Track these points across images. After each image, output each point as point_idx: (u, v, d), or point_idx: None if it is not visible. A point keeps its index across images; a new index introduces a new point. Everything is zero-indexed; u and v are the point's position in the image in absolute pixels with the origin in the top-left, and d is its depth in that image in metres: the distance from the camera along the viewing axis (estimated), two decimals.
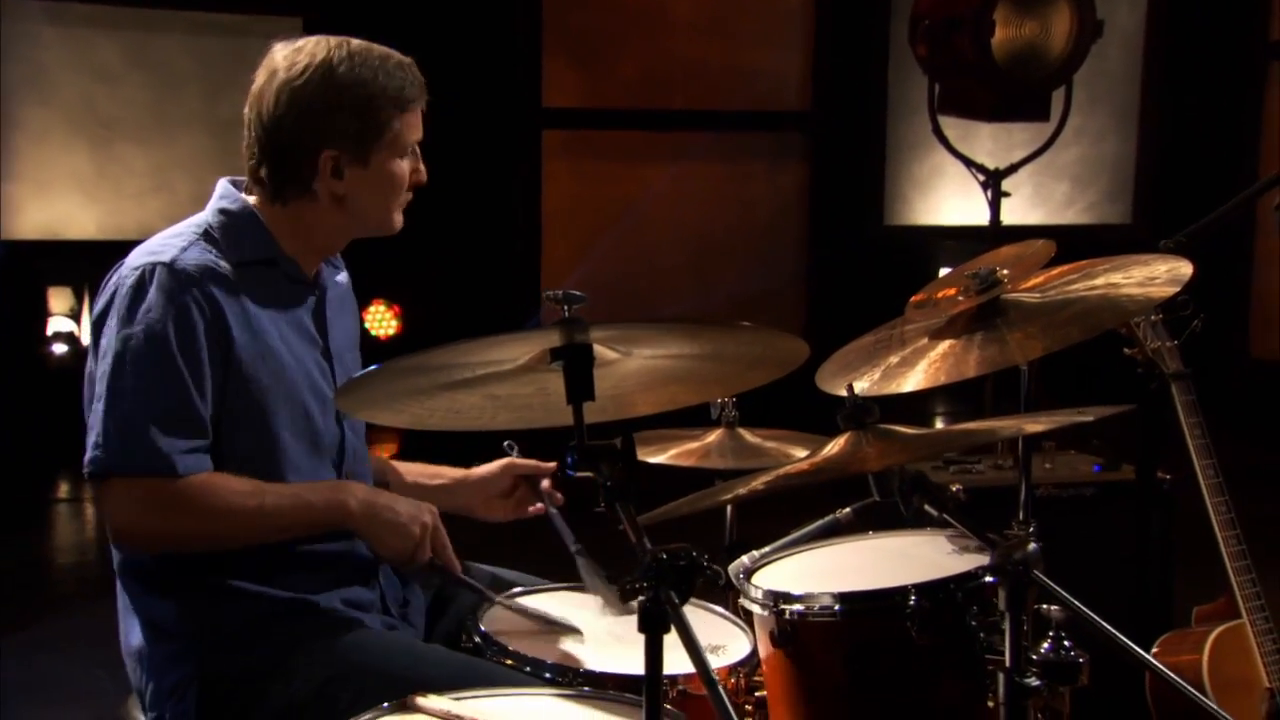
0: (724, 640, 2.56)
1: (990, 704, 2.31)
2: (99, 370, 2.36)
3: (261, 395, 2.41)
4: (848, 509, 2.76)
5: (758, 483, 2.05)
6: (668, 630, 1.67)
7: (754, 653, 2.50)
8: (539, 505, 2.80)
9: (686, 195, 8.21)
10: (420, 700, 2.18)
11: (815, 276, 8.17)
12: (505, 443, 2.84)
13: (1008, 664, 1.92)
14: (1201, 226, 3.02)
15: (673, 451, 2.98)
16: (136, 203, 7.42)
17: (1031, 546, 1.93)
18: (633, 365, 1.94)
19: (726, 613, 2.68)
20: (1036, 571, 1.91)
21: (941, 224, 8.46)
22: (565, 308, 1.76)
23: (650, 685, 1.69)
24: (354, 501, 2.42)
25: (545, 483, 2.80)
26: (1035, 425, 2.33)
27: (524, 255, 7.87)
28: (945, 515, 1.98)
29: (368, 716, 2.12)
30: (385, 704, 2.16)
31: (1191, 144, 8.39)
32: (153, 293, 2.35)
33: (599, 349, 1.86)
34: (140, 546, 2.41)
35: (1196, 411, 3.01)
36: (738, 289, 7.81)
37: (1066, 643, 2.16)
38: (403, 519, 2.43)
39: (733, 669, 2.47)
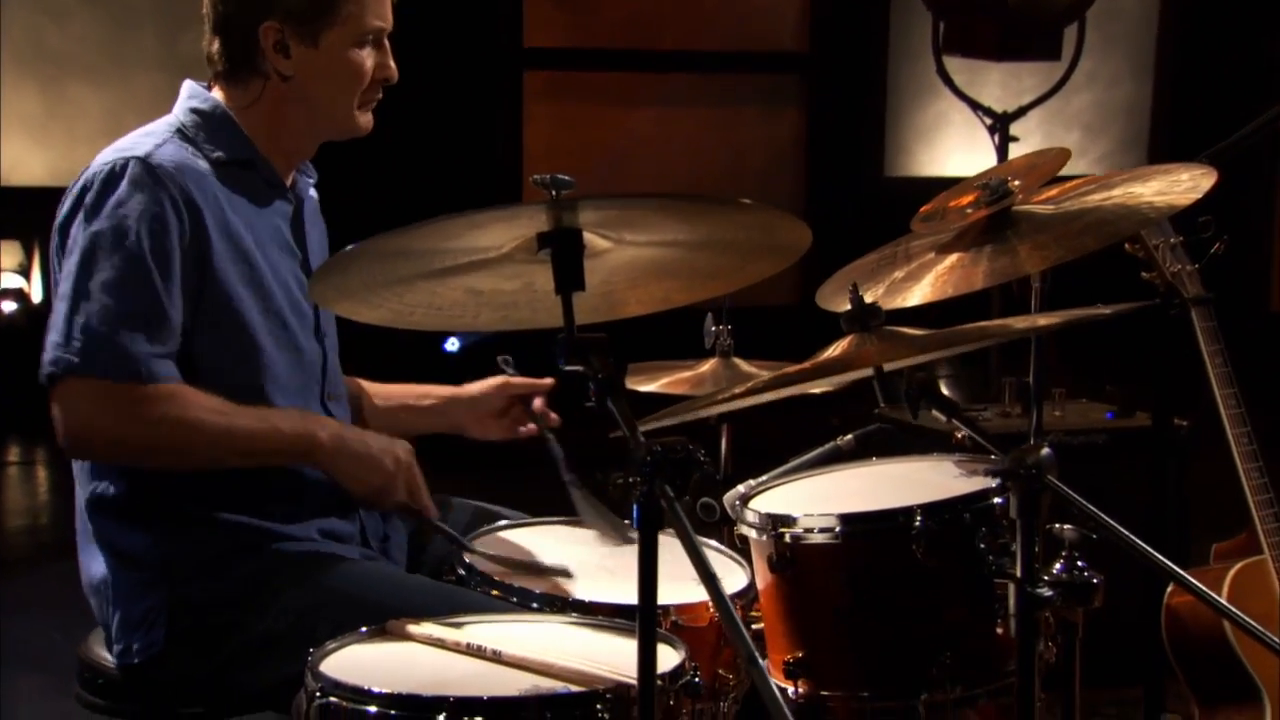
0: (719, 574, 2.57)
1: (999, 630, 2.34)
2: (64, 269, 2.36)
3: (239, 305, 2.41)
4: (849, 436, 2.78)
5: (755, 383, 2.06)
6: (663, 526, 1.68)
7: (751, 585, 2.52)
8: (532, 426, 2.81)
9: (674, 141, 8.20)
10: (404, 625, 2.20)
11: (813, 230, 8.17)
12: (500, 358, 2.86)
13: (1019, 574, 1.94)
14: (1229, 145, 3.02)
15: (664, 380, 2.99)
16: (90, 147, 7.34)
17: (1045, 451, 1.95)
18: (624, 257, 1.95)
19: (722, 546, 2.70)
20: (1050, 477, 1.93)
21: (945, 176, 8.47)
22: (553, 192, 1.76)
23: (644, 584, 1.70)
24: (324, 433, 2.42)
25: (538, 402, 2.81)
26: (1050, 319, 2.34)
27: (503, 202, 7.83)
28: (954, 421, 1.99)
29: (345, 640, 2.14)
30: (363, 629, 2.19)
31: (1211, 91, 8.40)
32: (124, 187, 2.34)
33: (589, 237, 1.86)
34: (91, 452, 2.40)
35: (1218, 338, 3.03)
36: None
37: (1080, 563, 2.17)
38: (374, 453, 2.44)
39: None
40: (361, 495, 2.47)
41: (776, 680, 2.43)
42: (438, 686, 1.97)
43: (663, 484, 1.67)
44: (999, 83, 7.45)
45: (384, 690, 1.94)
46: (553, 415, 2.80)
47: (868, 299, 2.42)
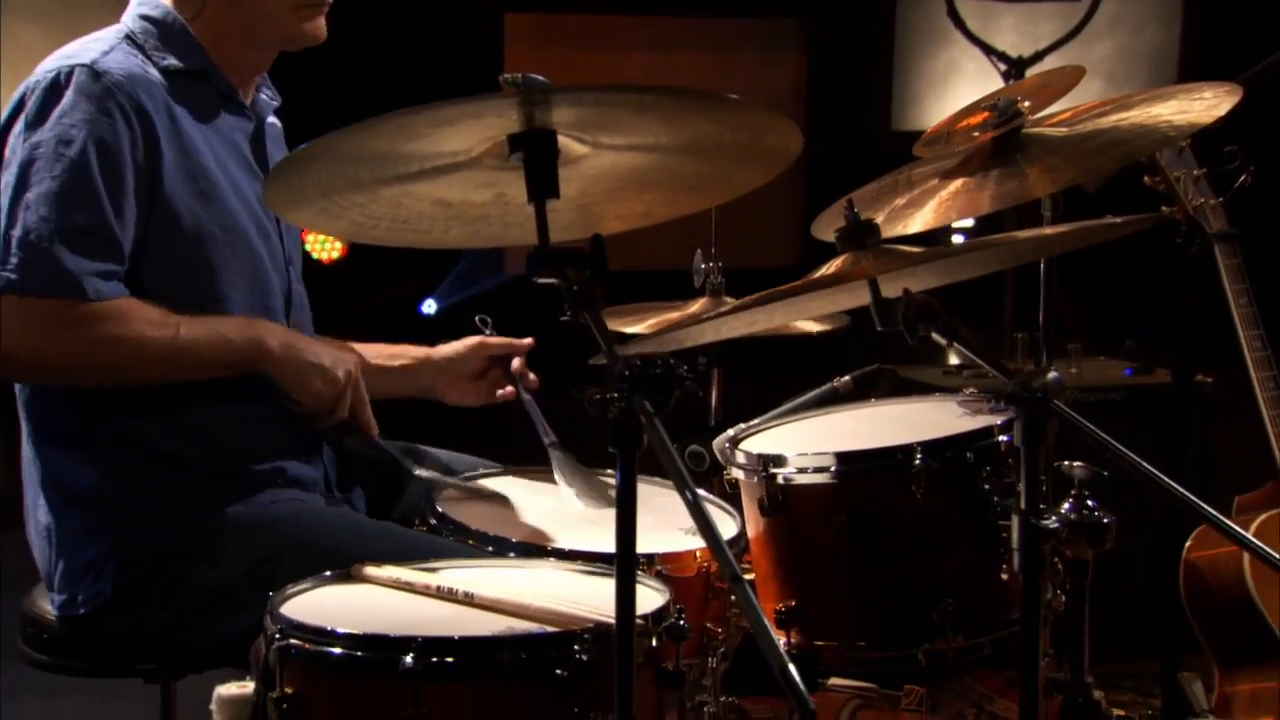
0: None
1: (1004, 575, 2.35)
2: (2, 181, 2.36)
3: (195, 226, 2.41)
4: (846, 377, 2.79)
5: (744, 301, 2.07)
6: (641, 445, 1.70)
7: (741, 534, 2.54)
8: (509, 389, 2.82)
9: None
10: (370, 570, 2.22)
11: (812, 188, 8.17)
12: (477, 317, 2.86)
13: (1023, 505, 1.95)
14: (1260, 70, 3.04)
15: (652, 322, 3.00)
16: None
17: (1053, 375, 1.96)
18: (602, 164, 1.95)
19: (710, 495, 2.72)
20: (1057, 402, 1.94)
21: None
22: (525, 93, 1.76)
23: (623, 507, 1.72)
24: (273, 340, 2.44)
25: (517, 363, 2.82)
26: (1057, 230, 2.36)
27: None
28: (956, 344, 2.01)
29: (307, 584, 2.16)
30: (327, 573, 2.20)
31: (1243, 38, 8.40)
32: (69, 96, 2.34)
33: (564, 142, 1.87)
34: (29, 373, 2.41)
35: (1243, 277, 3.04)
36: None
37: (1091, 502, 2.19)
38: (325, 362, 2.46)
39: None
40: (310, 407, 2.48)
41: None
42: (406, 628, 1.98)
43: (641, 399, 1.68)
44: (1014, 27, 7.44)
45: (348, 631, 1.96)
46: (531, 376, 2.81)
47: None
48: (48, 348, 2.33)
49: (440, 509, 2.53)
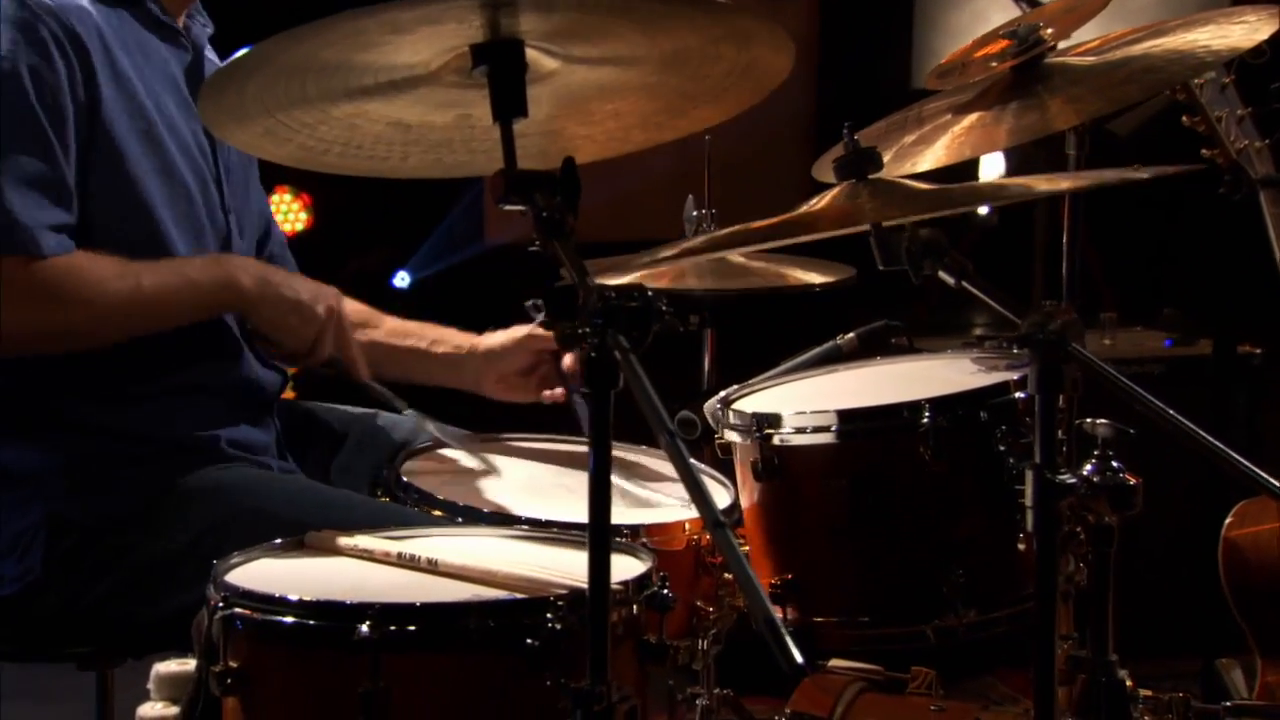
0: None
1: (1021, 546, 2.37)
2: None
3: (134, 166, 2.42)
4: (851, 334, 2.81)
5: (727, 233, 2.08)
6: (617, 385, 1.70)
7: (734, 505, 2.55)
8: (559, 390, 2.82)
9: None
10: (324, 537, 2.23)
11: (823, 149, 8.15)
12: (529, 302, 2.83)
13: (1037, 459, 1.97)
14: None
15: (641, 272, 3.01)
16: None
17: (1069, 317, 1.97)
18: (574, 81, 1.96)
19: (704, 466, 2.73)
20: (1076, 345, 1.96)
21: None
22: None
23: (597, 450, 1.73)
24: (247, 277, 2.45)
25: (569, 359, 2.80)
26: (1077, 180, 2.37)
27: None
28: (964, 284, 2.02)
29: (255, 552, 2.17)
30: (277, 541, 2.22)
31: None
32: None
33: (532, 55, 1.87)
34: None
35: None
36: (725, 161, 7.78)
37: (1115, 463, 2.20)
38: (304, 298, 2.48)
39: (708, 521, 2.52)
40: (291, 347, 2.51)
41: None
42: (362, 595, 1.99)
43: (616, 334, 1.69)
44: None
45: (299, 597, 1.97)
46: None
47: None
48: (4, 316, 2.30)
49: (405, 477, 2.54)
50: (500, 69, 1.85)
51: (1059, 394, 1.99)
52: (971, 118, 2.51)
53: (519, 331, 2.80)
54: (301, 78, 1.85)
